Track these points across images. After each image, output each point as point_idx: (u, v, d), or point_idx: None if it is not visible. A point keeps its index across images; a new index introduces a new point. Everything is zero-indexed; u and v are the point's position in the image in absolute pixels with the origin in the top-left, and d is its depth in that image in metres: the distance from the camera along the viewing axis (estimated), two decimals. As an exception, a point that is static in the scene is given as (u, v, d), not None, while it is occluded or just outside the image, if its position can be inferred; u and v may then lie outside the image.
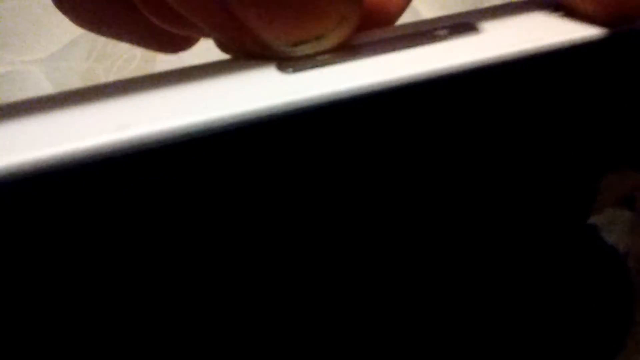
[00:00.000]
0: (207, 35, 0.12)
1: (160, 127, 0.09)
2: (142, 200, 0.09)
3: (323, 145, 0.10)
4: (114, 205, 0.09)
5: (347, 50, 0.10)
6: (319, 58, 0.10)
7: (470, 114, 0.12)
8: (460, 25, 0.11)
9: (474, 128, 0.12)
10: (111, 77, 0.53)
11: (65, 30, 0.58)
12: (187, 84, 0.10)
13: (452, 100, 0.11)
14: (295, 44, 0.10)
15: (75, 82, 0.54)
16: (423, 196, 0.13)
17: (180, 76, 0.10)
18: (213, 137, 0.09)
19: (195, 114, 0.09)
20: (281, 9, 0.09)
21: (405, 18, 0.13)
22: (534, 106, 0.12)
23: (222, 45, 0.12)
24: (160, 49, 0.14)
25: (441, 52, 0.10)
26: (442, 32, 0.11)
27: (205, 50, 0.18)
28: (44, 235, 0.09)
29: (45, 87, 0.54)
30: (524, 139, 0.13)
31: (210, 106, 0.09)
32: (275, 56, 0.10)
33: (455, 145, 0.12)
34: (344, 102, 0.10)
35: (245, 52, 0.10)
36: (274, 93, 0.09)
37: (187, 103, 0.09)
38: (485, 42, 0.11)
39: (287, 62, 0.10)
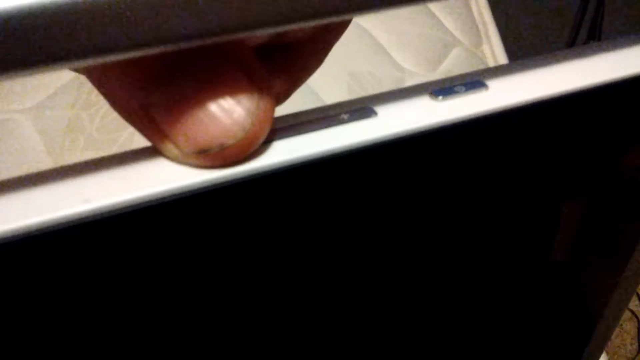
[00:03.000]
0: None
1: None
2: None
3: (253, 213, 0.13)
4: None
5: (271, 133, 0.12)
6: None
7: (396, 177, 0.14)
8: (361, 109, 0.13)
9: (406, 188, 0.14)
10: (95, 124, 0.55)
11: (51, 79, 0.61)
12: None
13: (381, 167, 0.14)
14: (202, 151, 0.11)
15: (61, 130, 0.56)
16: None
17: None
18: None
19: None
20: (189, 118, 0.11)
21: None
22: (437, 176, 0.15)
23: None
24: None
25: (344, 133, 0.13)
26: (344, 116, 0.13)
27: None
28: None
29: (32, 135, 0.56)
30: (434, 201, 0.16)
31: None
32: (184, 162, 0.12)
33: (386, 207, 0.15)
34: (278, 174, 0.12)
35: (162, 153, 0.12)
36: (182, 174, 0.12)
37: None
38: (382, 123, 0.13)
39: None
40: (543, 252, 0.22)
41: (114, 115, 0.56)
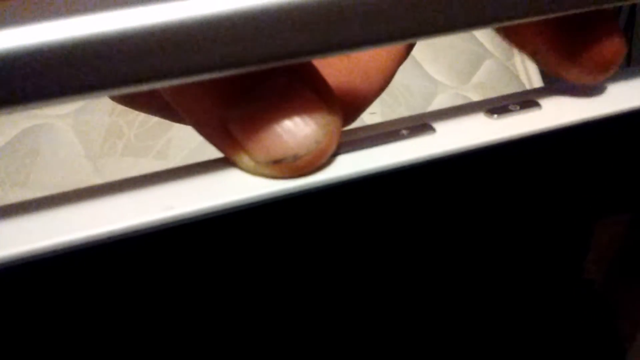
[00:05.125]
0: None
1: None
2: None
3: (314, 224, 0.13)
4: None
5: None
6: None
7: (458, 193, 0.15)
8: (420, 126, 0.14)
9: (460, 205, 0.15)
10: (133, 131, 0.56)
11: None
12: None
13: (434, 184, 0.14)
14: (276, 161, 0.12)
15: (99, 135, 0.57)
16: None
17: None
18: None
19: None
20: (265, 131, 0.12)
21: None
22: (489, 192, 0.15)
23: None
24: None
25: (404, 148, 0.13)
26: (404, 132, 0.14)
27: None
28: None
29: (72, 140, 0.58)
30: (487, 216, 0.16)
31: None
32: (257, 173, 0.13)
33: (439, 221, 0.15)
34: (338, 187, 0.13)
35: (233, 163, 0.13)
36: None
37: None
38: (441, 140, 0.14)
39: None
40: (578, 272, 0.22)
41: (151, 122, 0.57)
